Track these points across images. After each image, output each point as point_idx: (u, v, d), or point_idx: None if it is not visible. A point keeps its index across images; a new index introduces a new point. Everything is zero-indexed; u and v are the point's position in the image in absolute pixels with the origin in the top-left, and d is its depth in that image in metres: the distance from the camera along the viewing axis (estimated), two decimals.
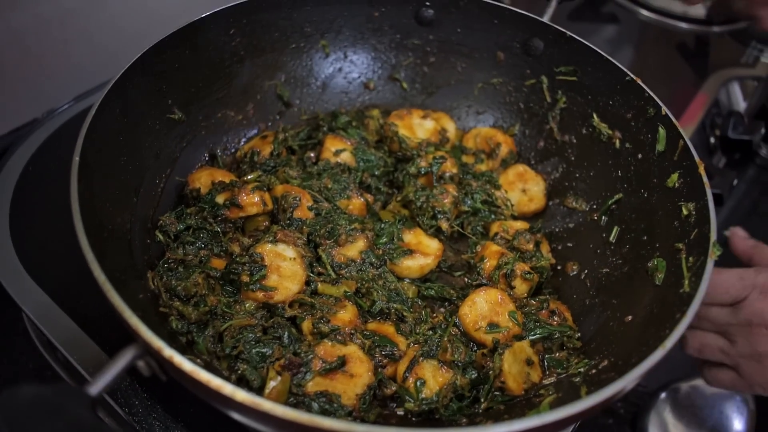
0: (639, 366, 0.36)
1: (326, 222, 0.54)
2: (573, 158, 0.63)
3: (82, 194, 0.42)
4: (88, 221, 0.40)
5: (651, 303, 0.47)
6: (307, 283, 0.49)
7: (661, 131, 0.55)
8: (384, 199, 0.60)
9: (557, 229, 0.61)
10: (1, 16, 0.73)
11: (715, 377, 0.55)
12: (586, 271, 0.56)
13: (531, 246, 0.55)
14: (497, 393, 0.46)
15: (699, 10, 1.01)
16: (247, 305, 0.47)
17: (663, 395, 0.62)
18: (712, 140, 0.89)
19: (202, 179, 0.56)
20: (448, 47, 0.68)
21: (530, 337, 0.48)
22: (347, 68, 0.68)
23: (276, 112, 0.67)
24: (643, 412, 0.62)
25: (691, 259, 0.45)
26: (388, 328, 0.48)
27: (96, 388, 0.33)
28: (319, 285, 0.49)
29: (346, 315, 0.47)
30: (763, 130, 0.90)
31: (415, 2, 0.66)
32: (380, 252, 0.53)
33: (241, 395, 0.32)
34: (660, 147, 0.55)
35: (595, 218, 0.58)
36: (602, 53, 0.61)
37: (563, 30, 0.63)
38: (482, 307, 0.49)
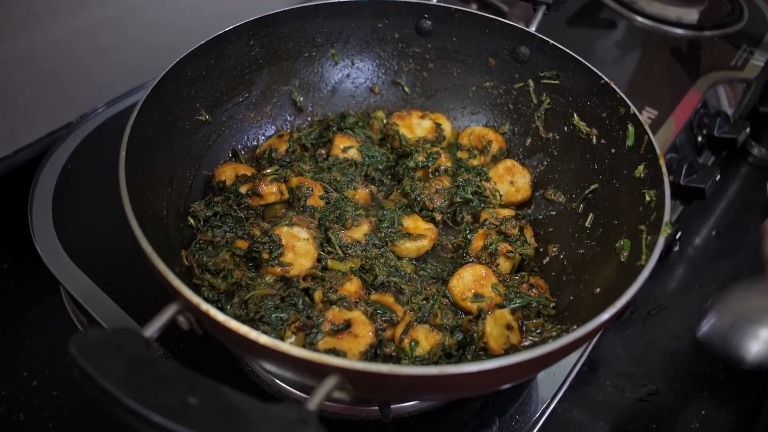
0: (592, 321, 0.43)
1: (335, 209, 0.61)
2: (556, 153, 0.70)
3: (129, 183, 0.50)
4: (134, 205, 0.48)
5: (615, 276, 0.54)
6: (319, 260, 0.57)
7: (630, 128, 0.62)
8: (387, 190, 0.68)
9: (540, 216, 0.68)
10: (40, 29, 0.81)
11: None
12: (564, 252, 0.63)
13: (516, 231, 0.63)
14: (481, 353, 0.53)
15: (692, 15, 1.07)
16: (267, 278, 0.55)
17: None
18: (699, 139, 0.95)
19: (227, 173, 0.64)
20: (445, 55, 0.75)
21: (510, 306, 0.55)
22: (354, 74, 0.76)
23: (291, 113, 0.75)
24: None
25: (649, 237, 0.52)
26: (388, 298, 0.55)
27: (149, 332, 0.40)
28: (329, 261, 0.57)
29: (352, 286, 0.55)
30: (748, 130, 0.96)
31: (416, 14, 0.74)
32: (382, 234, 0.60)
33: (263, 339, 0.39)
34: (629, 142, 0.61)
35: (574, 206, 0.65)
36: (580, 59, 0.68)
37: (546, 39, 0.69)
38: (468, 281, 0.56)
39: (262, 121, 0.72)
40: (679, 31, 1.04)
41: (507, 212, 0.65)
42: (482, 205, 0.66)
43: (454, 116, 0.75)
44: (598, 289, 0.55)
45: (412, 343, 0.52)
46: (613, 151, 0.64)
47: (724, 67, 0.99)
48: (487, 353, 0.53)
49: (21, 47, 0.78)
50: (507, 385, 0.50)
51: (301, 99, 0.73)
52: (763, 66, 0.98)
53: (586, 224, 0.63)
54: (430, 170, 0.66)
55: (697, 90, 0.94)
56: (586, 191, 0.65)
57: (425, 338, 0.52)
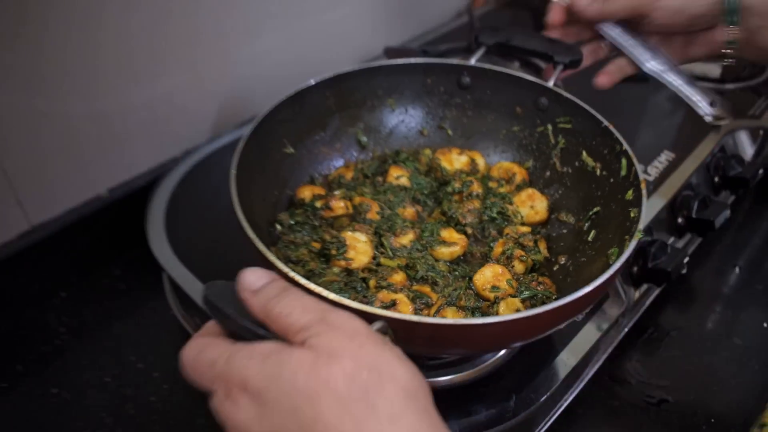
0: (569, 296, 0.58)
1: (388, 221, 0.78)
2: (569, 183, 0.84)
3: (239, 196, 0.68)
4: (244, 211, 0.66)
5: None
6: (374, 257, 0.74)
7: (624, 161, 0.76)
8: (429, 209, 0.84)
9: (554, 234, 0.83)
10: (157, 80, 0.97)
11: None
12: (570, 261, 0.78)
13: (531, 243, 0.78)
14: None
15: (715, 71, 1.21)
16: (334, 269, 0.72)
17: None
18: (716, 179, 1.08)
19: (306, 192, 0.82)
20: (481, 105, 0.91)
21: (520, 296, 0.71)
22: (407, 120, 0.93)
23: (356, 150, 0.92)
24: None
25: (629, 244, 0.67)
26: (426, 288, 0.71)
27: None
28: (381, 259, 0.73)
29: (398, 277, 0.71)
30: (761, 171, 1.08)
31: (457, 73, 0.91)
32: (424, 242, 0.77)
33: (332, 296, 0.56)
34: (623, 172, 0.75)
35: (581, 225, 0.80)
36: (587, 108, 0.83)
37: (561, 92, 0.85)
38: (489, 276, 0.72)
39: (333, 155, 0.90)
40: (705, 84, 1.17)
41: (525, 229, 0.80)
42: (505, 223, 0.82)
43: (487, 153, 0.91)
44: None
45: None
46: (611, 180, 0.78)
47: (742, 116, 1.10)
48: None
49: (142, 96, 0.96)
50: (516, 343, 0.64)
51: (365, 139, 0.92)
52: None
53: (589, 239, 0.77)
54: (464, 194, 0.83)
55: (716, 135, 1.06)
56: (590, 213, 0.79)
57: (452, 316, 0.68)
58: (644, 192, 0.69)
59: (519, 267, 0.75)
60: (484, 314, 0.69)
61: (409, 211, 0.81)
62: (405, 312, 0.67)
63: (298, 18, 1.12)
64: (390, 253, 0.74)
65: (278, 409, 0.42)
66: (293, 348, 0.44)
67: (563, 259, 0.78)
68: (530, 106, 0.88)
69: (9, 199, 0.82)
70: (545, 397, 0.74)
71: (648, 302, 0.89)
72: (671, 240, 0.96)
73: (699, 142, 1.02)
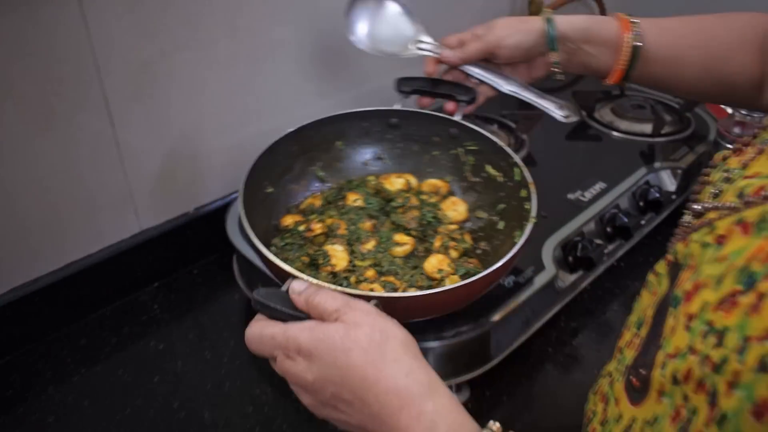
0: (490, 268, 0.86)
1: (354, 234, 1.04)
2: (480, 189, 1.13)
3: (251, 227, 0.93)
4: (256, 234, 0.91)
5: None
6: (350, 261, 1.00)
7: (516, 169, 1.07)
8: (382, 222, 1.12)
9: (475, 227, 1.12)
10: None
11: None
12: (489, 245, 1.07)
13: (459, 236, 1.07)
14: None
15: (647, 129, 1.48)
16: (323, 274, 0.98)
17: None
18: (641, 203, 1.30)
19: (288, 220, 1.07)
20: (407, 138, 1.17)
21: (458, 274, 0.99)
22: (354, 155, 1.19)
23: (317, 182, 1.19)
24: None
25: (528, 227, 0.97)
26: (391, 278, 0.98)
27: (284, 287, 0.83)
28: (356, 261, 1.00)
29: (370, 273, 0.97)
30: (675, 197, 1.36)
31: (387, 116, 1.19)
32: (383, 246, 1.04)
33: (321, 283, 0.82)
34: (517, 178, 1.05)
35: (493, 219, 1.10)
36: (486, 133, 1.13)
37: (467, 124, 1.15)
38: (434, 262, 0.97)
39: (300, 189, 1.16)
40: (641, 138, 1.47)
41: (453, 227, 1.09)
42: (439, 223, 1.10)
43: (418, 174, 1.19)
44: None
45: None
46: (510, 184, 1.06)
47: (667, 159, 1.40)
48: None
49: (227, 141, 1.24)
50: (461, 304, 0.88)
51: (323, 173, 1.17)
52: (695, 157, 1.40)
53: (500, 228, 1.07)
54: (405, 207, 1.11)
55: (644, 171, 1.35)
56: (498, 209, 1.09)
57: None
58: (533, 190, 0.99)
59: (453, 254, 1.04)
60: None
61: (368, 225, 1.08)
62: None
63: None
64: (361, 256, 1.01)
65: (323, 360, 0.60)
66: (329, 323, 0.63)
67: (483, 244, 1.07)
68: (444, 136, 1.17)
69: (129, 207, 1.16)
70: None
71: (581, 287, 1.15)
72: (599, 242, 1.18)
73: (627, 177, 1.33)
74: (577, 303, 1.13)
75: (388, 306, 0.72)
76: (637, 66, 0.99)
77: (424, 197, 1.14)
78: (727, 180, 0.57)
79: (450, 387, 0.98)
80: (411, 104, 1.20)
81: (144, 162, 1.13)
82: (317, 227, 1.04)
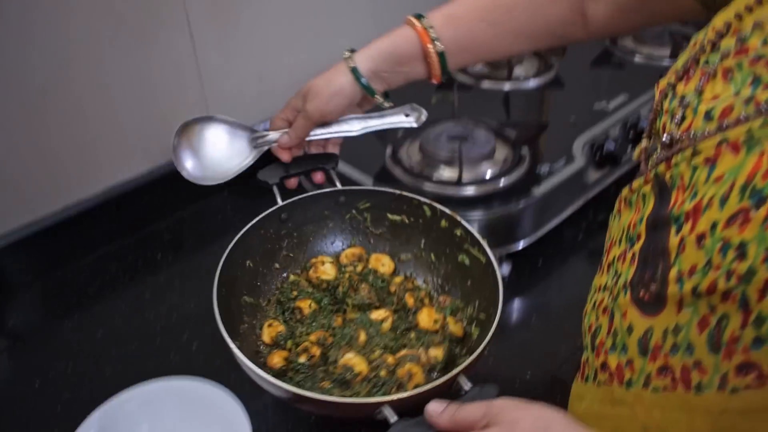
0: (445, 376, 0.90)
1: (342, 336, 1.05)
2: (390, 237, 1.20)
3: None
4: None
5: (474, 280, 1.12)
6: (370, 362, 1.02)
7: (425, 208, 1.18)
8: (346, 311, 1.14)
9: (413, 268, 1.20)
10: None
11: None
12: (440, 274, 1.17)
13: (411, 285, 1.17)
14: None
15: (665, 52, 1.67)
16: (356, 386, 0.98)
17: None
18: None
19: (276, 360, 1.02)
20: (301, 225, 1.17)
21: (448, 314, 1.10)
22: (269, 263, 1.17)
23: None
24: None
25: (473, 249, 1.11)
26: (404, 351, 1.04)
27: None
28: (370, 357, 1.03)
29: (391, 359, 1.02)
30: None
31: (277, 215, 1.16)
32: (373, 330, 1.07)
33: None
34: (429, 214, 1.17)
35: (423, 254, 1.20)
36: (374, 188, 1.21)
37: (350, 188, 1.21)
38: (425, 317, 1.08)
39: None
40: (659, 64, 1.64)
41: (399, 278, 1.16)
42: (385, 283, 1.16)
43: (327, 252, 1.21)
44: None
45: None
46: (421, 221, 1.16)
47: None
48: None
49: None
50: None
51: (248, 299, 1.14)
52: None
53: (432, 259, 1.19)
54: (353, 286, 1.14)
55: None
56: (422, 245, 1.21)
57: (437, 350, 1.04)
58: (457, 217, 1.13)
59: (424, 300, 1.13)
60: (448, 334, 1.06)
61: (339, 320, 1.10)
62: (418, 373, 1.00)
63: None
64: (370, 351, 1.04)
65: None
66: (484, 430, 0.62)
67: (432, 278, 1.19)
68: (334, 206, 1.22)
69: None
70: None
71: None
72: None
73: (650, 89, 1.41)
74: (604, 199, 1.27)
75: (401, 405, 0.79)
76: (450, 63, 1.01)
77: (352, 268, 1.19)
78: (685, 106, 0.59)
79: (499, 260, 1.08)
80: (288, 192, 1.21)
81: (218, 79, 1.31)
82: (315, 350, 1.03)
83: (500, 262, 1.17)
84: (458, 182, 1.23)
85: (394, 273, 1.19)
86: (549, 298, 1.17)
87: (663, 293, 0.56)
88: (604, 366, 0.67)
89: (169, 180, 1.22)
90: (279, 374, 1.01)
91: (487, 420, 0.63)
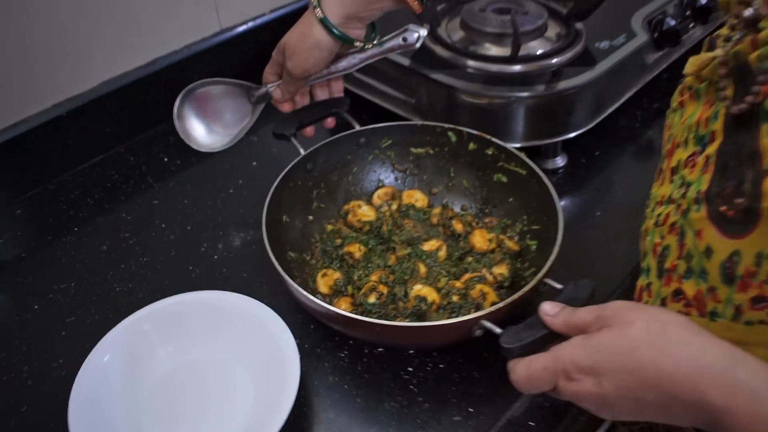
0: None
1: (406, 270, 1.03)
2: (417, 172, 1.17)
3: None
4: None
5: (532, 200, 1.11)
6: (440, 291, 1.00)
7: (450, 134, 1.16)
8: (397, 249, 1.11)
9: (450, 198, 1.19)
10: None
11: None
12: (478, 197, 1.16)
13: (452, 212, 1.15)
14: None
15: None
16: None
17: None
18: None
19: (343, 305, 0.99)
20: (327, 173, 1.12)
21: (498, 233, 1.09)
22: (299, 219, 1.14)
23: None
24: None
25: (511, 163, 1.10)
26: (467, 276, 1.03)
27: None
28: (439, 285, 1.01)
29: (459, 284, 1.01)
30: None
31: (303, 163, 1.11)
32: (432, 261, 1.04)
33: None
34: (454, 139, 1.16)
35: (454, 184, 1.18)
36: (393, 124, 1.16)
37: (369, 127, 1.16)
38: (479, 239, 1.06)
39: None
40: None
41: (437, 209, 1.13)
42: (426, 216, 1.12)
43: (360, 196, 1.18)
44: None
45: None
46: (446, 149, 1.13)
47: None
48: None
49: None
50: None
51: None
52: None
53: (466, 185, 1.15)
54: (397, 225, 1.11)
55: None
56: (451, 173, 1.16)
57: (502, 268, 1.03)
58: (486, 136, 1.11)
59: (470, 223, 1.11)
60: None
61: (393, 258, 1.07)
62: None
63: None
64: (437, 279, 1.01)
65: (610, 369, 0.54)
66: (597, 333, 0.57)
67: (469, 204, 1.16)
68: (355, 149, 1.17)
69: (211, 5, 1.25)
70: None
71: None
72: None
73: None
74: (660, 83, 1.22)
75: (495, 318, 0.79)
76: None
77: (387, 207, 1.16)
78: None
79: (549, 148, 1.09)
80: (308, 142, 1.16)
81: None
82: (382, 288, 0.99)
83: (555, 152, 1.15)
84: (512, 58, 1.10)
85: (430, 206, 1.16)
86: (606, 194, 1.13)
87: (755, 208, 0.47)
88: (678, 294, 0.60)
89: (173, 72, 1.18)
90: None
91: (600, 324, 0.58)
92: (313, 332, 0.91)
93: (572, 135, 1.13)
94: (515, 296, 0.82)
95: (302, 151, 1.10)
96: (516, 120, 1.11)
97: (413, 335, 0.83)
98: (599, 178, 1.15)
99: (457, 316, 0.90)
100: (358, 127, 1.15)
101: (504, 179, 1.04)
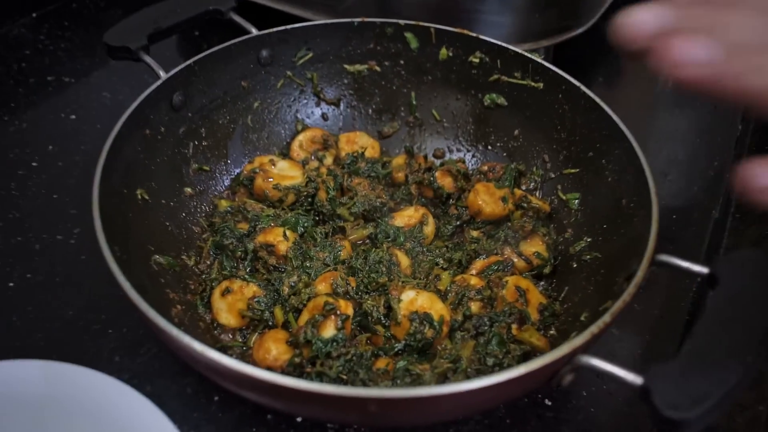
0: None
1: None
2: (357, 101, 0.77)
3: None
4: None
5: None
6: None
7: (409, 36, 0.71)
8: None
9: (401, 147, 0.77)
10: None
11: None
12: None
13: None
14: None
15: None
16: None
17: None
18: None
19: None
20: (209, 111, 0.69)
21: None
22: None
23: None
24: None
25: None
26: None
27: None
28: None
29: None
30: None
31: (167, 92, 0.64)
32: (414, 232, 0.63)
33: None
34: (414, 45, 0.72)
35: (417, 117, 0.76)
36: (319, 22, 0.72)
37: (282, 29, 0.70)
38: (482, 192, 0.65)
39: None
40: None
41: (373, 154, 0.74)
42: (377, 166, 0.71)
43: (270, 148, 0.74)
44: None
45: None
46: (402, 62, 0.74)
47: None
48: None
49: None
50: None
51: None
52: None
53: (438, 118, 0.76)
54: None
55: None
56: (412, 100, 0.75)
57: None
58: (471, 33, 0.69)
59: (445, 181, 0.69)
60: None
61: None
62: None
63: None
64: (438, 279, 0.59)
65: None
66: None
67: (447, 146, 0.75)
68: (255, 68, 0.74)
69: None
70: None
71: None
72: None
73: None
74: None
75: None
76: None
77: (320, 164, 0.71)
78: None
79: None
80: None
81: None
82: (344, 307, 0.54)
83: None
84: None
85: (384, 154, 0.73)
86: None
87: None
88: None
89: None
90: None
91: None
92: (217, 412, 0.53)
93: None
94: (624, 297, 0.41)
95: (162, 74, 0.63)
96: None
97: (444, 406, 0.40)
98: None
99: (503, 348, 0.49)
100: (255, 32, 0.68)
101: (501, 101, 0.64)
